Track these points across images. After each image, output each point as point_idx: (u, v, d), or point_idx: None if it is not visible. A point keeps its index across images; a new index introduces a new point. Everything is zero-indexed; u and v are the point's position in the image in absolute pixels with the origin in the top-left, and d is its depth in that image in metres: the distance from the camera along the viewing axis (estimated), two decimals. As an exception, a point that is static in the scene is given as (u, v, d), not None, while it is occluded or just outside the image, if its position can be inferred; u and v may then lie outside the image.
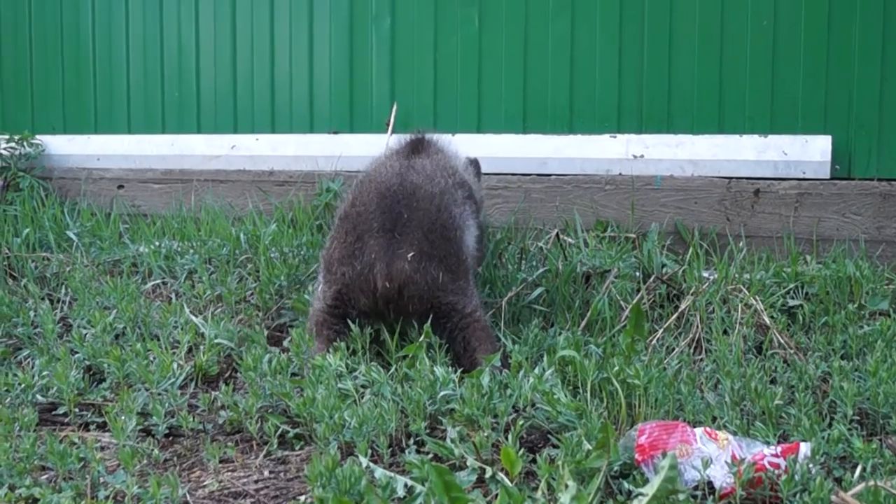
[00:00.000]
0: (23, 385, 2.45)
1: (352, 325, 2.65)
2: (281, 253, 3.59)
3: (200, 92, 4.98)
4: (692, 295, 3.04)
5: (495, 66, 4.32)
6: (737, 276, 3.16)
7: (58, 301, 3.39)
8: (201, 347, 2.75)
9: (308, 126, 4.70)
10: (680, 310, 2.99)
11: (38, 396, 2.46)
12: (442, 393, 2.28)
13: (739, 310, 2.90)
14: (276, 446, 2.22)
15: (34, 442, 2.05)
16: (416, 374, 2.37)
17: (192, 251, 3.72)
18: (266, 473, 2.10)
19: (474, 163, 3.50)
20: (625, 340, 2.47)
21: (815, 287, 3.13)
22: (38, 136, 5.21)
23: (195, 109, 4.98)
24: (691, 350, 2.81)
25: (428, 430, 2.20)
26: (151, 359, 2.58)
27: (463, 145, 4.22)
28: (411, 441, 2.20)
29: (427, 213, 2.74)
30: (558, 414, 2.20)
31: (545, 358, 2.47)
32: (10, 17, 5.49)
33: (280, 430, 2.25)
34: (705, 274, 3.26)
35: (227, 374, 2.73)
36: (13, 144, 5.07)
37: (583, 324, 2.99)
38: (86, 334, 2.84)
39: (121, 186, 4.99)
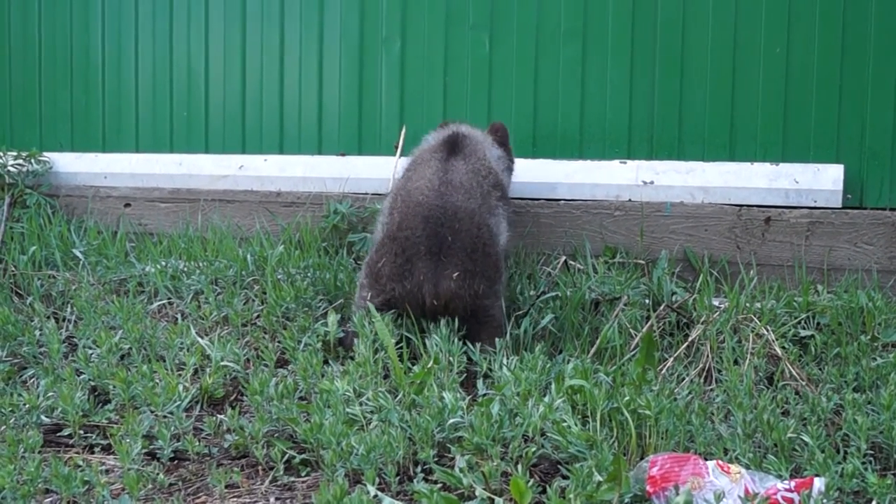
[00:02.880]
0: (28, 406, 2.43)
1: (362, 349, 2.63)
2: (288, 275, 3.57)
3: (209, 111, 4.97)
4: (702, 324, 3.01)
5: (505, 90, 4.31)
6: (747, 305, 3.14)
7: (63, 320, 3.37)
8: (207, 370, 2.73)
9: (316, 147, 4.69)
10: (690, 339, 2.96)
11: (43, 417, 2.44)
12: (451, 420, 2.26)
13: (750, 340, 2.88)
14: (282, 472, 2.19)
15: (39, 465, 2.03)
16: (425, 401, 2.35)
17: (198, 272, 3.70)
18: (272, 500, 2.08)
19: (500, 130, 3.79)
20: (635, 370, 2.44)
21: (827, 317, 3.10)
22: (45, 154, 5.20)
23: (203, 129, 4.97)
24: (701, 380, 2.78)
25: (436, 458, 2.17)
26: (157, 380, 2.55)
27: (472, 169, 4.24)
28: (419, 469, 2.18)
29: (468, 234, 2.98)
30: (568, 444, 2.17)
31: (553, 386, 2.44)
32: (19, 36, 5.50)
33: (286, 455, 2.23)
34: (715, 302, 3.23)
35: (233, 398, 2.70)
36: (21, 161, 5.06)
37: (592, 351, 2.96)
38: (91, 354, 2.82)
39: (128, 205, 4.97)
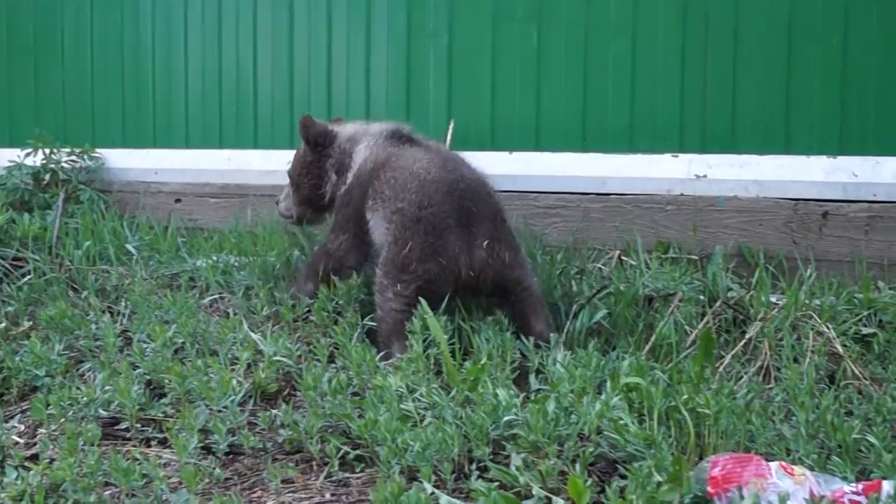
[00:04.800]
0: (86, 399, 2.45)
1: (416, 345, 2.61)
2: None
3: (258, 108, 4.99)
4: (760, 321, 2.96)
5: (554, 84, 4.26)
6: (806, 301, 3.07)
7: (118, 314, 3.40)
8: (260, 364, 2.73)
9: (365, 142, 4.68)
10: (748, 336, 2.91)
11: (101, 411, 2.46)
12: (505, 418, 2.23)
13: (811, 337, 2.82)
14: (337, 468, 2.18)
15: (99, 458, 2.04)
16: (479, 398, 2.32)
17: (248, 266, 3.71)
18: (328, 496, 2.07)
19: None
20: (694, 367, 2.40)
21: (889, 315, 3.03)
22: (98, 150, 5.26)
23: (252, 125, 4.99)
24: (760, 378, 2.73)
25: (491, 456, 2.15)
26: (211, 375, 2.56)
27: (521, 164, 4.22)
28: (474, 467, 2.16)
29: (488, 203, 3.05)
30: (626, 443, 2.13)
31: (609, 383, 2.41)
32: (72, 36, 5.57)
33: (341, 451, 2.22)
34: (772, 299, 3.17)
35: (285, 392, 2.70)
36: (74, 157, 5.12)
37: (646, 348, 2.92)
38: (146, 348, 2.84)
39: (178, 200, 5.01)
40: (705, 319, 3.06)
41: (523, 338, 2.83)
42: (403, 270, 2.89)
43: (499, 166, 4.18)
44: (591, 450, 2.10)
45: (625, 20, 4.10)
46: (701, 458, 2.12)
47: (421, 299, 2.79)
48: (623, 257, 3.64)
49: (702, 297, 3.28)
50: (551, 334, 2.89)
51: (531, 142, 4.28)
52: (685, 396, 2.25)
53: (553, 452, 2.09)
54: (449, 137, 4.30)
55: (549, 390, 2.40)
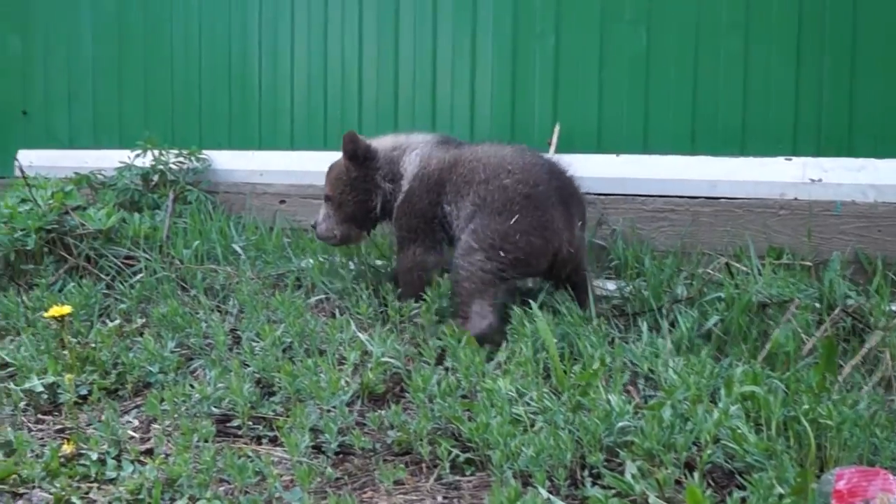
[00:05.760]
0: (199, 396, 2.48)
1: (525, 348, 2.59)
2: (443, 272, 3.56)
3: (362, 109, 5.03)
4: (882, 330, 2.84)
5: (663, 85, 4.19)
6: (931, 311, 2.94)
7: (225, 312, 3.46)
8: (368, 365, 2.73)
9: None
10: (868, 346, 2.79)
11: (213, 408, 2.49)
12: (619, 424, 2.19)
13: (937, 349, 2.69)
14: (448, 470, 2.16)
15: (214, 455, 2.06)
16: (591, 403, 2.28)
17: (353, 267, 3.74)
18: (439, 499, 2.05)
19: None
20: (815, 377, 2.31)
21: None
22: (204, 152, 5.38)
23: (357, 126, 5.03)
24: (882, 389, 2.62)
25: (604, 463, 2.11)
26: (320, 374, 2.57)
27: (628, 166, 4.15)
28: (586, 473, 2.12)
29: (577, 188, 3.31)
30: (745, 453, 2.07)
31: (723, 391, 2.34)
32: (181, 40, 5.71)
33: (452, 454, 2.20)
34: (894, 307, 3.04)
35: (393, 393, 2.70)
36: (181, 159, 5.24)
37: (761, 356, 2.83)
38: (255, 347, 2.87)
39: (283, 201, 5.08)
40: (823, 327, 2.96)
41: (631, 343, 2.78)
42: (506, 240, 3.01)
43: (606, 169, 4.13)
44: (707, 458, 2.04)
45: (737, 19, 4.00)
46: (821, 471, 2.05)
47: (531, 302, 2.78)
48: (734, 263, 3.54)
49: (818, 305, 3.17)
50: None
51: (639, 144, 4.20)
52: (805, 406, 2.17)
53: (669, 461, 2.03)
54: (555, 140, 4.26)
55: (662, 397, 2.34)
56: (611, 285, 3.53)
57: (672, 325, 3.08)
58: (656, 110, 4.18)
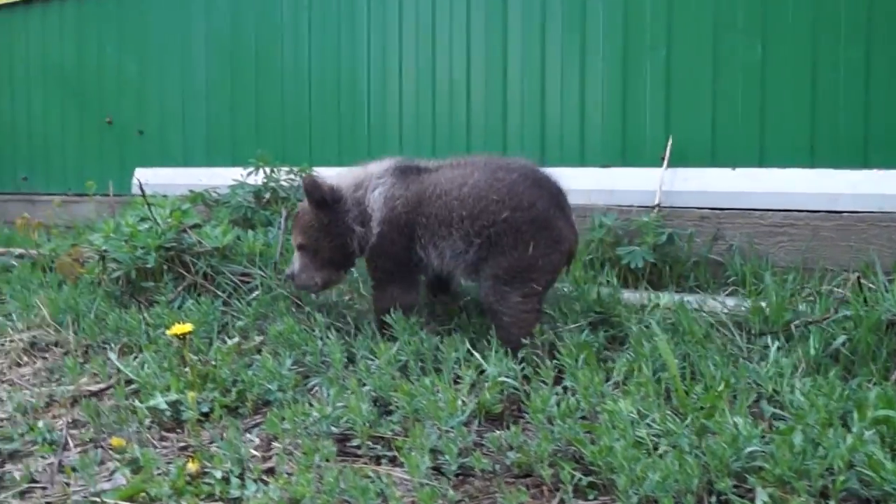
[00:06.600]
0: (318, 415, 2.50)
1: (645, 369, 2.54)
2: (555, 290, 3.52)
3: (470, 125, 5.04)
4: None
5: (779, 96, 4.08)
6: None
7: (338, 330, 3.48)
8: (483, 384, 2.71)
9: (578, 159, 4.63)
10: None
11: (332, 427, 2.50)
12: (748, 449, 2.12)
13: None
14: (571, 494, 2.13)
15: (338, 475, 2.07)
16: (716, 426, 2.21)
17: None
18: (563, 523, 2.02)
19: None
20: (957, 401, 2.20)
21: None
22: (314, 169, 5.45)
23: (465, 141, 5.04)
24: None
25: (733, 489, 2.04)
26: (437, 394, 2.56)
27: (744, 180, 4.04)
28: (713, 499, 2.05)
29: (550, 177, 3.21)
30: (882, 480, 1.98)
31: (856, 414, 2.24)
32: (291, 64, 5.83)
33: (574, 477, 2.16)
34: None
35: (510, 414, 2.67)
36: (292, 176, 5.32)
37: (893, 377, 2.71)
38: (370, 365, 2.88)
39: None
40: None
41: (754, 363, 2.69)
42: (532, 269, 3.00)
43: (720, 183, 4.04)
44: (841, 486, 1.96)
45: (857, 26, 3.88)
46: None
47: (651, 321, 2.72)
48: (861, 279, 3.40)
49: (953, 324, 3.02)
50: None
51: (755, 157, 4.10)
52: (948, 433, 2.06)
53: (802, 488, 1.96)
54: (667, 154, 4.19)
55: (791, 421, 2.26)
56: (730, 301, 3.43)
57: (792, 343, 2.97)
58: (773, 122, 4.07)
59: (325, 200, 3.32)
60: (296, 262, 3.46)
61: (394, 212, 3.23)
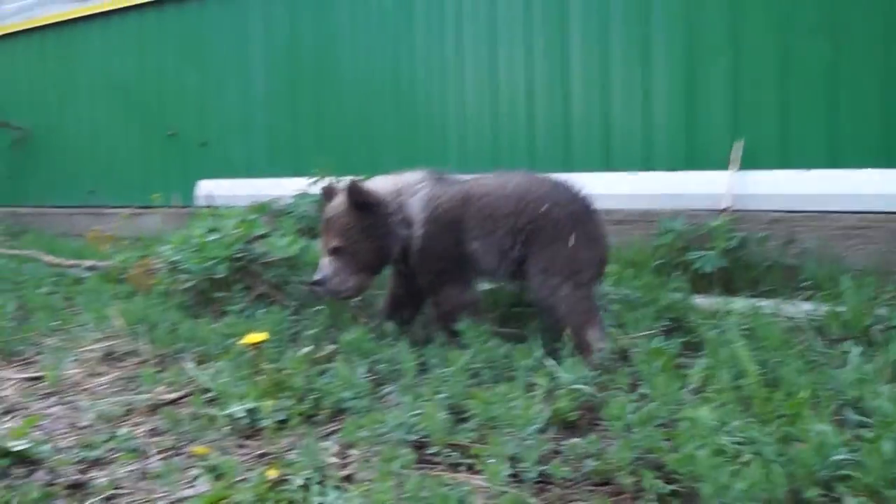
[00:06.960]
0: (394, 422, 2.50)
1: (724, 376, 2.50)
2: (623, 296, 3.50)
3: (534, 132, 5.02)
4: None
5: (851, 96, 4.00)
6: None
7: (408, 338, 3.48)
8: (558, 392, 2.69)
9: (643, 163, 4.59)
10: None
11: (408, 435, 2.50)
12: (835, 457, 2.07)
13: None
14: (652, 502, 2.10)
15: (419, 483, 2.07)
16: (801, 434, 2.17)
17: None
18: (647, 533, 1.99)
19: None
20: None
21: None
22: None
23: (527, 149, 5.04)
24: None
25: (820, 497, 2.00)
26: (512, 402, 2.55)
27: (816, 182, 3.97)
28: (801, 508, 2.01)
29: (592, 206, 3.34)
30: (977, 491, 1.92)
31: (943, 421, 2.18)
32: (350, 74, 5.88)
33: (656, 486, 2.14)
34: None
35: (586, 420, 2.65)
36: (346, 185, 5.36)
37: (981, 382, 2.64)
38: (443, 373, 2.88)
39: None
40: None
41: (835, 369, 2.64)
42: (575, 261, 3.12)
43: (791, 186, 3.98)
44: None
45: (933, 24, 3.79)
46: None
47: (729, 329, 2.69)
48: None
49: None
50: None
51: (825, 158, 4.02)
52: None
53: (894, 497, 1.91)
54: (736, 156, 4.13)
55: (879, 428, 2.20)
56: (806, 306, 3.37)
57: (874, 349, 2.91)
58: (847, 122, 3.99)
59: (367, 203, 3.38)
60: (326, 267, 3.42)
61: (438, 209, 3.36)
